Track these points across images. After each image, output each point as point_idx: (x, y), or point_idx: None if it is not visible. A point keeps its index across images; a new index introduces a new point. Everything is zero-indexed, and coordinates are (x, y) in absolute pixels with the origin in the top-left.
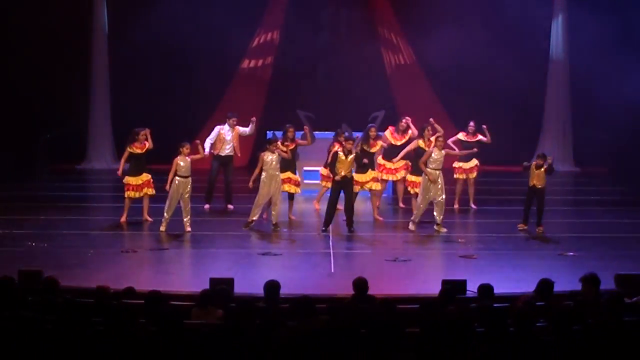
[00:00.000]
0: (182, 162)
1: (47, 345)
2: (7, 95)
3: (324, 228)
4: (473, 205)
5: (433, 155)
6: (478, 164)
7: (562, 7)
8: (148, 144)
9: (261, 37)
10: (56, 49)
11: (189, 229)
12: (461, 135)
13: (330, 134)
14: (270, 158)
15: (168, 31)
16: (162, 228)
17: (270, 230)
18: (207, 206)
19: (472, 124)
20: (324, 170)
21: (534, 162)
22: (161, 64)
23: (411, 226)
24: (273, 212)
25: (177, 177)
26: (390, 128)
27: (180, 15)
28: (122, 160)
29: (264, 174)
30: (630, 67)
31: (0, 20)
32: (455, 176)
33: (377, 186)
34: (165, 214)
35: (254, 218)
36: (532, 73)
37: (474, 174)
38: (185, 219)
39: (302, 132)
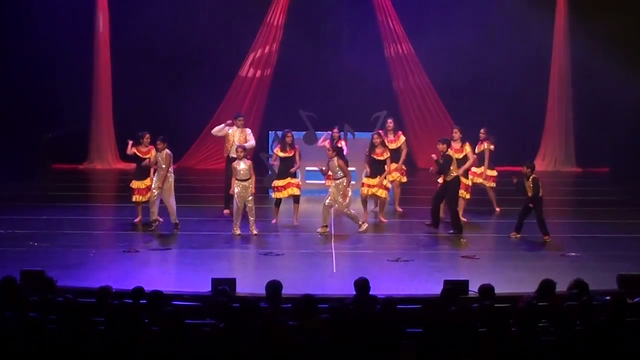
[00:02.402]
0: (239, 165)
1: (49, 345)
2: (10, 95)
3: (455, 231)
4: (497, 208)
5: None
6: (484, 170)
7: (564, 7)
8: (152, 154)
9: (263, 36)
10: (58, 49)
11: (255, 232)
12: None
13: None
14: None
15: (170, 32)
16: (236, 231)
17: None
18: (226, 211)
19: (483, 131)
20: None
21: (523, 172)
22: (163, 65)
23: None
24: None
25: (237, 181)
26: (381, 132)
27: (182, 16)
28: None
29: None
30: (631, 67)
31: (2, 20)
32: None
33: (382, 193)
34: (234, 219)
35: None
36: (534, 73)
37: (481, 180)
38: (250, 221)
39: (304, 133)
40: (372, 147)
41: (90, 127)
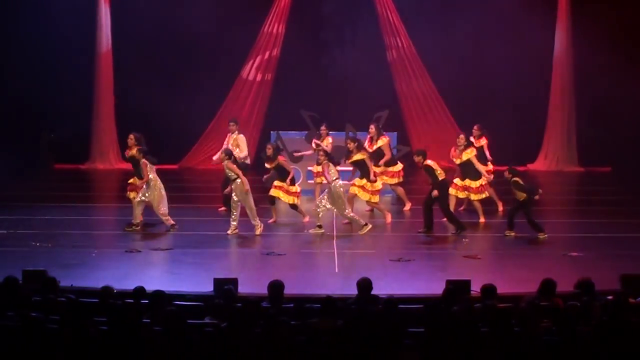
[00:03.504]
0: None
1: (51, 345)
2: (11, 95)
3: (457, 231)
4: (500, 208)
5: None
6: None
7: (566, 6)
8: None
9: (264, 38)
10: (60, 48)
11: (258, 232)
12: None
13: (334, 134)
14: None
15: (172, 33)
16: (229, 232)
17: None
18: (222, 209)
19: (476, 127)
20: (315, 168)
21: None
22: (165, 65)
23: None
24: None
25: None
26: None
27: (184, 15)
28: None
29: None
30: (634, 66)
31: (3, 20)
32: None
33: (363, 196)
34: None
35: (138, 221)
36: (536, 72)
37: (491, 176)
38: (252, 222)
39: (305, 133)
40: (348, 153)
41: (92, 127)
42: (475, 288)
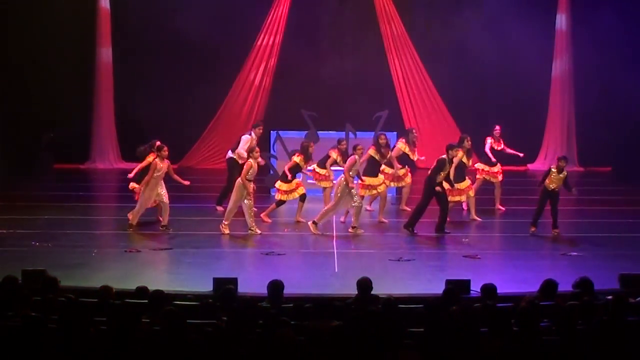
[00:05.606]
0: (255, 166)
1: (50, 345)
2: (11, 95)
3: (405, 226)
4: (501, 207)
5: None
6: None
7: (566, 7)
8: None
9: (264, 38)
10: (60, 48)
11: (258, 231)
12: (491, 141)
13: (334, 134)
14: (161, 165)
15: (172, 32)
16: (226, 231)
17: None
18: (220, 208)
19: (497, 128)
20: (320, 170)
21: (554, 166)
22: (165, 65)
23: (313, 228)
24: (165, 214)
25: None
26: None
27: (184, 16)
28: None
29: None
30: (634, 66)
31: (4, 19)
32: (477, 176)
33: (383, 188)
34: (226, 217)
35: (134, 222)
36: (536, 72)
37: (500, 177)
38: (249, 222)
39: (306, 132)
40: (379, 147)
41: (92, 127)
42: (475, 288)
